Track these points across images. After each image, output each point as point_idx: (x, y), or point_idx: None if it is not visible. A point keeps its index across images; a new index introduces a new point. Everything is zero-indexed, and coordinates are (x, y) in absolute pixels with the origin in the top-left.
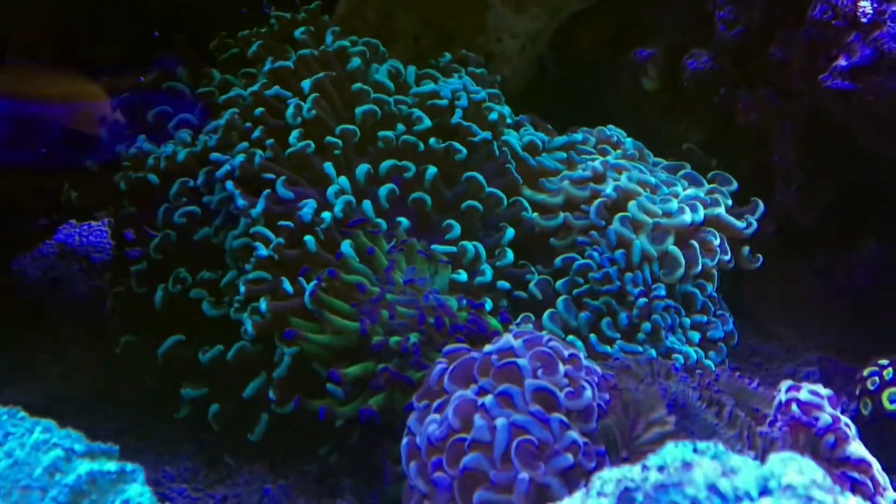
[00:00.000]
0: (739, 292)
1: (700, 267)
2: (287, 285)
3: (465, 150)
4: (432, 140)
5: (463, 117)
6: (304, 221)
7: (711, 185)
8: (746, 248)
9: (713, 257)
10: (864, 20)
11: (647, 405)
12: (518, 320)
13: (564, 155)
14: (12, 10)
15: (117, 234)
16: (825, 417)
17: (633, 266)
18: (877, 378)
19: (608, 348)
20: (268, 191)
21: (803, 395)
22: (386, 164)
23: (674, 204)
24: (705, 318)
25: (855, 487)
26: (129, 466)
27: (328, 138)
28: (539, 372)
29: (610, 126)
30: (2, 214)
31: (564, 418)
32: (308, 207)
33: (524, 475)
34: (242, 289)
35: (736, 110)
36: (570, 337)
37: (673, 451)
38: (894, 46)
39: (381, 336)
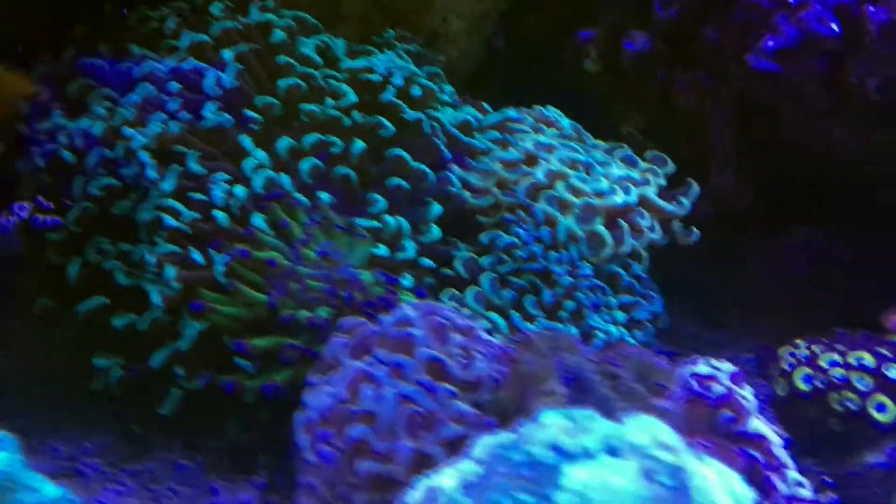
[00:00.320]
0: (681, 276)
1: (628, 247)
2: (197, 256)
3: (392, 127)
4: (359, 115)
5: (396, 94)
6: (217, 196)
7: (646, 166)
8: (679, 225)
9: (641, 238)
10: (790, 0)
11: (540, 377)
12: (444, 296)
13: (499, 134)
14: None
15: (36, 207)
16: (719, 389)
17: (558, 245)
18: (792, 358)
19: (530, 326)
20: (178, 165)
21: (701, 368)
22: (310, 139)
23: (604, 184)
24: (631, 299)
25: (752, 464)
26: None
27: (247, 111)
28: (431, 342)
29: (549, 106)
30: None
31: (454, 388)
32: (219, 182)
33: (407, 444)
34: (152, 259)
35: (673, 92)
36: (493, 314)
37: (547, 417)
38: (818, 27)
39: (290, 309)
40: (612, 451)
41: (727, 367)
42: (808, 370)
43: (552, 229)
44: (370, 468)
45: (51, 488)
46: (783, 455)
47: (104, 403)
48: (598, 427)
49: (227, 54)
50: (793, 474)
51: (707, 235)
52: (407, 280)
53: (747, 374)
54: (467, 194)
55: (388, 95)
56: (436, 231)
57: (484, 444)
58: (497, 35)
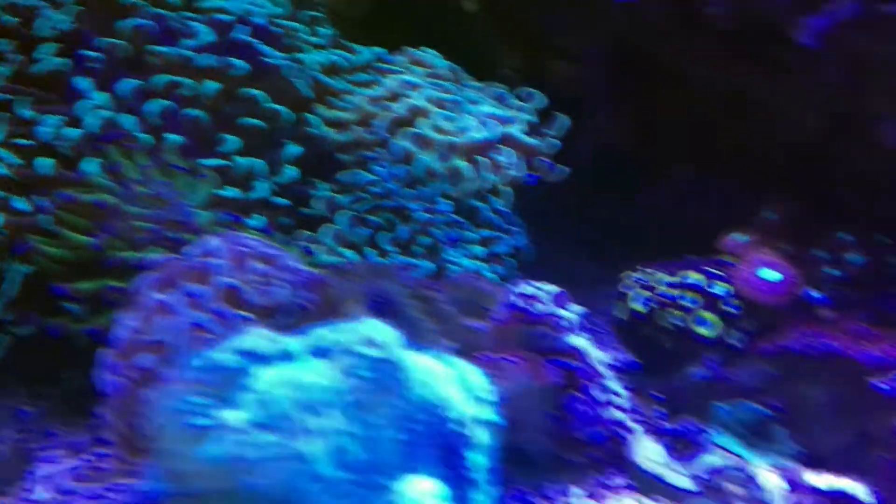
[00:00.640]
0: (565, 212)
1: (488, 182)
2: (20, 203)
3: (248, 66)
4: (214, 57)
5: (256, 34)
6: (44, 140)
7: (517, 103)
8: (543, 160)
9: (503, 173)
10: None
11: (347, 302)
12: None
13: (366, 75)
14: None
15: None
16: (539, 307)
17: (416, 181)
18: (632, 282)
19: (385, 261)
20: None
21: (525, 288)
22: (159, 80)
23: (469, 121)
24: (491, 233)
25: (569, 374)
26: None
27: (87, 52)
28: (230, 271)
29: (424, 47)
30: None
31: (250, 315)
32: (48, 126)
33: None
34: None
35: (551, 32)
36: (348, 251)
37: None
38: None
39: (116, 251)
40: (320, 353)
41: (550, 288)
42: (644, 292)
43: (412, 166)
44: (160, 397)
45: None
46: (601, 368)
47: None
48: (318, 333)
49: None
50: (611, 384)
51: (589, 173)
52: (255, 220)
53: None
54: (328, 133)
55: (241, 35)
56: (291, 171)
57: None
58: None
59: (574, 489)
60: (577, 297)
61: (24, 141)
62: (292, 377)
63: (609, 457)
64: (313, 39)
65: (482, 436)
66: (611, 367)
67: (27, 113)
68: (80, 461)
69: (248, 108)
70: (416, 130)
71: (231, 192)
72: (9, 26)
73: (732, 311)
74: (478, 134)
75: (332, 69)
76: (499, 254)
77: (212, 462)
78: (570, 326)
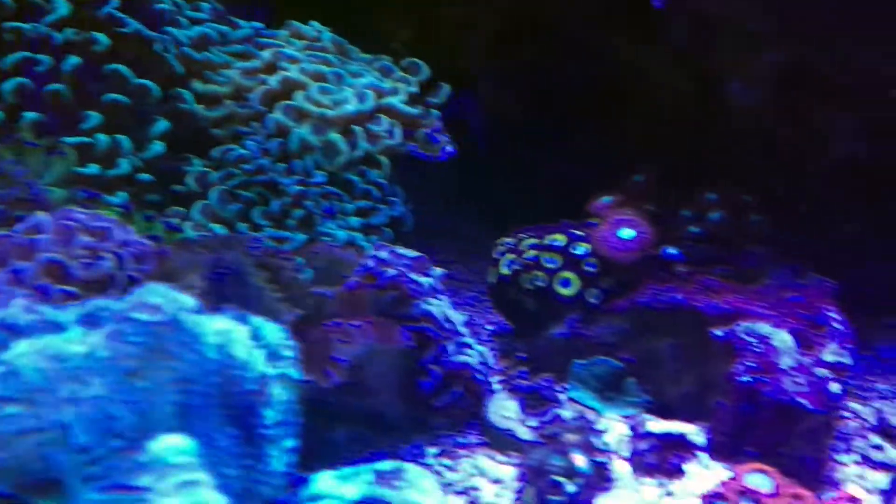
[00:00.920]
0: (462, 184)
1: (363, 152)
2: None
3: (109, 41)
4: (73, 31)
5: (130, 8)
6: None
7: (400, 75)
8: (425, 132)
9: (379, 143)
10: None
11: (185, 272)
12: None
13: (242, 47)
14: None
15: None
16: (389, 272)
17: (290, 155)
18: (502, 247)
19: (257, 236)
20: None
21: (381, 253)
22: (13, 57)
23: (347, 93)
24: (368, 204)
25: (423, 337)
26: None
27: None
28: (53, 245)
29: (311, 21)
30: None
31: (74, 289)
32: None
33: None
34: None
35: (441, 3)
36: (217, 226)
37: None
38: None
39: None
40: (92, 322)
41: (409, 253)
42: (511, 256)
43: (285, 139)
44: None
45: None
46: (457, 327)
47: None
48: (94, 303)
49: None
50: (472, 346)
51: (480, 142)
52: (117, 197)
53: None
54: (200, 109)
55: (107, 9)
56: (158, 147)
57: None
58: None
59: (429, 449)
60: (466, 264)
61: None
62: (51, 347)
63: (466, 416)
64: (192, 14)
65: (280, 393)
66: (475, 328)
67: None
68: None
69: (114, 84)
70: (291, 103)
71: (92, 168)
72: None
73: (591, 270)
74: (352, 106)
75: (209, 43)
76: (376, 224)
77: None
78: (426, 290)
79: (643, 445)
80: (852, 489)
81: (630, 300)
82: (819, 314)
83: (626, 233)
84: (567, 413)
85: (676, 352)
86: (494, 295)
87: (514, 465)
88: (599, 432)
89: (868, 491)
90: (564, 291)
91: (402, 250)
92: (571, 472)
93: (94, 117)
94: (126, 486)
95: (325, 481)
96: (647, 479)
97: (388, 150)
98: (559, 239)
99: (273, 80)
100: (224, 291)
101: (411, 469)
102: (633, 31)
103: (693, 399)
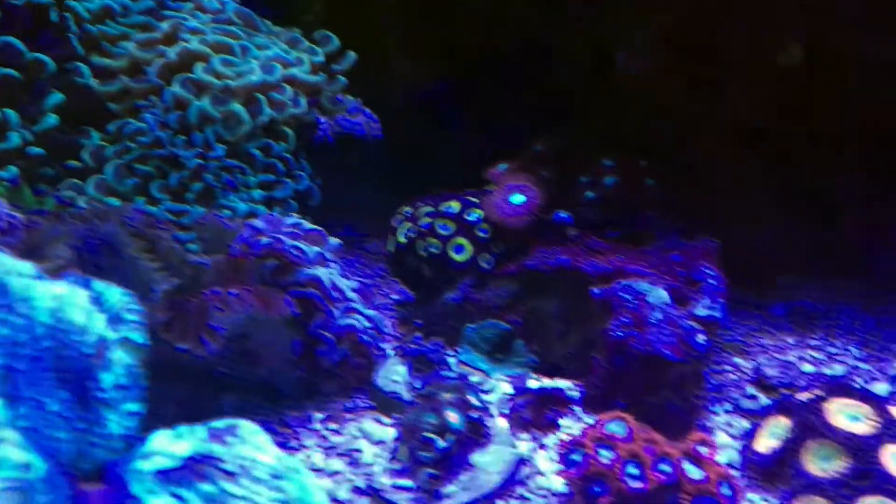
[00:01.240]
0: (376, 161)
1: (267, 121)
2: None
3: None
4: None
5: None
6: None
7: (307, 45)
8: (328, 97)
9: (284, 111)
10: None
11: (53, 242)
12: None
13: (143, 18)
14: None
15: None
16: (264, 240)
17: (189, 128)
18: (400, 216)
19: (154, 209)
20: None
21: (257, 222)
22: None
23: (250, 65)
24: (272, 177)
25: (309, 304)
26: None
27: None
28: None
29: None
30: None
31: None
32: None
33: None
34: None
35: None
36: (113, 200)
37: None
38: None
39: None
40: None
41: (290, 220)
42: (408, 224)
43: (184, 112)
44: None
45: None
46: (346, 294)
47: None
48: None
49: None
50: (357, 307)
51: (396, 121)
52: (6, 171)
53: None
54: (95, 84)
55: None
56: (50, 119)
57: None
58: None
59: (316, 414)
60: (382, 237)
61: None
62: None
63: (355, 381)
64: None
65: (121, 356)
66: (378, 297)
67: None
68: None
69: (7, 56)
70: (191, 76)
71: None
72: None
73: (483, 235)
74: (256, 76)
75: (110, 16)
76: (281, 198)
77: None
78: (312, 259)
79: (520, 402)
80: (720, 436)
81: (519, 264)
82: (696, 271)
83: (517, 198)
84: (452, 375)
85: (562, 312)
86: (393, 263)
87: (396, 426)
88: (477, 391)
89: (733, 437)
90: (458, 257)
91: (290, 220)
92: (444, 429)
93: None
94: None
95: (158, 440)
96: (523, 434)
97: (296, 123)
98: (453, 206)
99: (171, 52)
100: (97, 261)
101: (246, 426)
102: (533, 3)
103: (577, 356)
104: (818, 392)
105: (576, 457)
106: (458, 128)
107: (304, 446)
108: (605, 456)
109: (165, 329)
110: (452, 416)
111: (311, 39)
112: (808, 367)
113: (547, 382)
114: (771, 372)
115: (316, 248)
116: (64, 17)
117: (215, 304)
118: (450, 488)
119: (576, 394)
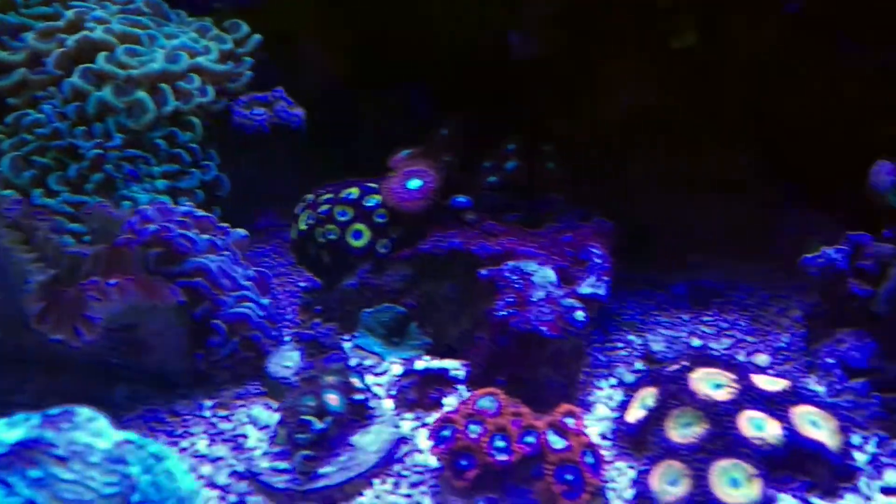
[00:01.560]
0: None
1: (172, 110)
2: None
3: None
4: None
5: None
6: None
7: (216, 33)
8: (238, 85)
9: (191, 100)
10: None
11: None
12: None
13: (47, 9)
14: None
15: None
16: (150, 228)
17: (89, 118)
18: (303, 203)
19: (51, 201)
20: None
21: (145, 211)
22: None
23: (156, 54)
24: (176, 167)
25: (196, 293)
26: None
27: None
28: None
29: None
30: None
31: None
32: None
33: None
34: None
35: None
36: (9, 192)
37: None
38: None
39: None
40: None
41: (181, 209)
42: (309, 211)
43: (83, 103)
44: None
45: None
46: (239, 282)
47: None
48: None
49: None
50: (251, 295)
51: (311, 103)
52: None
53: None
54: None
55: None
56: None
57: None
58: None
59: (206, 402)
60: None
61: None
62: None
63: (248, 368)
64: None
65: None
66: (261, 281)
67: None
68: None
69: None
70: (91, 66)
71: None
72: None
73: (381, 221)
74: (158, 64)
75: (10, 5)
76: (186, 188)
77: None
78: (201, 247)
79: (405, 383)
80: (600, 408)
81: (414, 248)
82: (583, 251)
83: (414, 183)
84: (345, 359)
85: (455, 294)
86: (296, 250)
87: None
88: (361, 374)
89: (612, 409)
90: (356, 243)
91: (182, 208)
92: (323, 411)
93: None
94: None
95: None
96: (408, 414)
97: (203, 113)
98: (353, 192)
99: (71, 42)
100: None
101: (83, 412)
102: None
103: (469, 337)
104: (685, 363)
105: (445, 432)
106: (379, 115)
107: (190, 433)
108: (474, 430)
109: (39, 320)
110: (332, 399)
111: (221, 27)
112: (696, 342)
113: (433, 363)
114: (657, 347)
115: (206, 236)
116: None
117: (92, 293)
118: (326, 468)
119: (461, 373)
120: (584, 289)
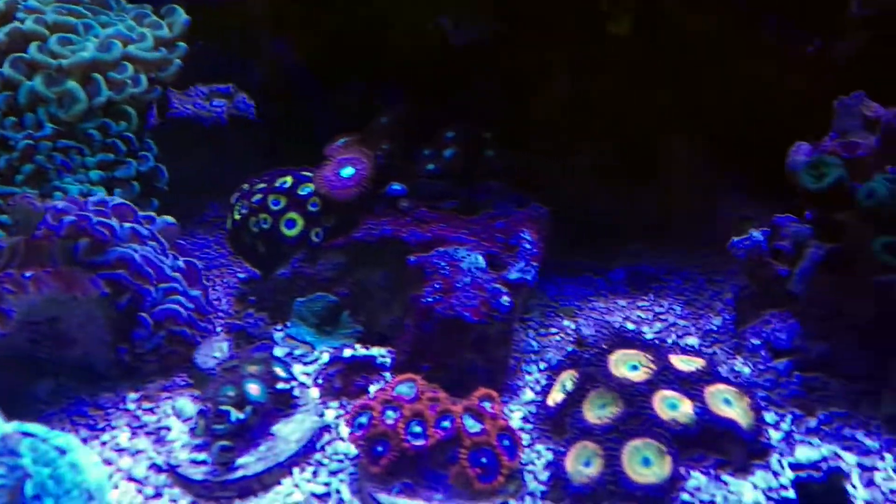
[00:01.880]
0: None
1: (104, 100)
2: None
3: None
4: None
5: None
6: None
7: (152, 20)
8: (171, 73)
9: (122, 91)
10: None
11: None
12: None
13: None
14: None
15: None
16: (67, 219)
17: (20, 109)
18: (237, 193)
19: None
20: None
21: (59, 203)
22: None
23: (89, 43)
24: (111, 157)
25: (117, 282)
26: None
27: None
28: None
29: None
30: None
31: None
32: None
33: None
34: None
35: None
36: None
37: None
38: None
39: None
40: None
41: (95, 198)
42: (244, 201)
43: (13, 93)
44: None
45: None
46: (166, 273)
47: None
48: None
49: None
50: (178, 286)
51: (261, 94)
52: None
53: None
54: None
55: None
56: None
57: None
58: None
59: (131, 395)
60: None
61: None
62: None
63: (176, 360)
64: None
65: None
66: (190, 272)
67: None
68: None
69: None
70: (21, 55)
71: None
72: None
73: (314, 210)
74: (89, 53)
75: None
76: (123, 178)
77: None
78: (123, 237)
79: (331, 371)
80: (526, 393)
81: (347, 236)
82: (514, 237)
83: (347, 171)
84: (280, 350)
85: (386, 282)
86: (231, 240)
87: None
88: (287, 363)
89: (538, 393)
90: (289, 232)
91: (95, 198)
92: (243, 401)
93: None
94: None
95: None
96: (333, 402)
97: (136, 103)
98: (286, 181)
99: (1, 35)
100: None
101: None
102: None
103: (401, 324)
104: (604, 345)
105: (362, 419)
106: (326, 106)
107: (112, 427)
108: (390, 416)
109: None
110: (253, 388)
111: (158, 14)
112: (630, 326)
113: (361, 351)
114: (587, 331)
115: (128, 225)
116: None
117: (6, 286)
118: (245, 459)
119: (387, 360)
120: (513, 274)
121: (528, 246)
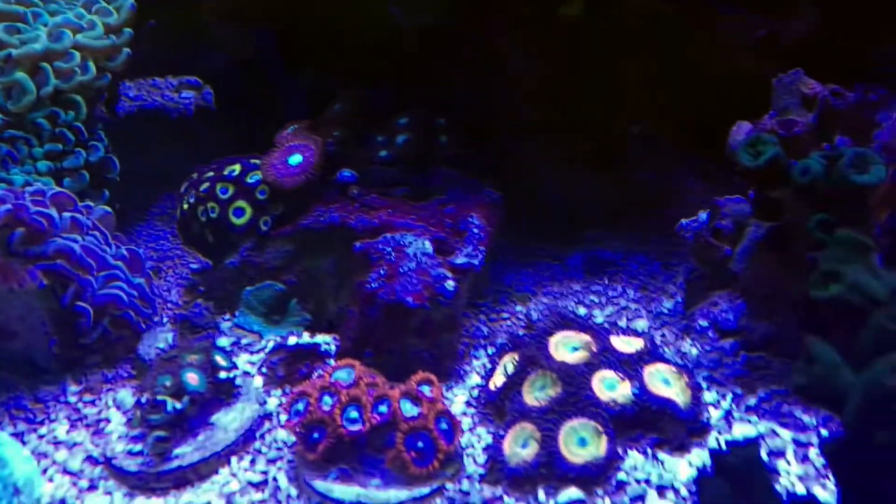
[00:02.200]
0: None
1: (52, 90)
2: None
3: None
4: None
5: None
6: None
7: (102, 6)
8: (120, 60)
9: (70, 80)
10: None
11: None
12: None
13: None
14: None
15: None
16: (4, 208)
17: None
18: (187, 183)
19: None
20: None
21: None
22: None
23: (39, 32)
24: (60, 147)
25: (57, 275)
26: None
27: None
28: None
29: None
30: None
31: None
32: None
33: None
34: None
35: None
36: None
37: None
38: None
39: None
40: None
41: (32, 188)
42: (192, 190)
43: None
44: None
45: None
46: (107, 262)
47: None
48: None
49: None
50: (121, 275)
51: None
52: None
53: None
54: None
55: None
56: None
57: None
58: None
59: (72, 387)
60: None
61: None
62: None
63: (119, 351)
64: None
65: None
66: (133, 262)
67: None
68: None
69: None
70: None
71: None
72: None
73: (262, 198)
74: (39, 45)
75: None
76: (70, 168)
77: None
78: (62, 226)
79: (274, 359)
80: (473, 377)
81: (294, 224)
82: (463, 222)
83: (294, 159)
84: (225, 341)
85: (334, 269)
86: (181, 230)
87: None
88: (229, 352)
89: (482, 377)
90: (237, 220)
91: (32, 188)
92: (182, 391)
93: None
94: None
95: None
96: (276, 391)
97: (85, 91)
98: (235, 169)
99: None
100: None
101: None
102: None
103: (343, 311)
104: (544, 326)
105: (299, 406)
106: (287, 93)
107: (50, 420)
108: (327, 402)
109: None
110: (192, 378)
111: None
112: (582, 310)
113: (305, 338)
114: (536, 316)
115: (68, 215)
116: None
117: None
118: (182, 449)
119: (333, 347)
120: (460, 259)
121: (476, 231)
